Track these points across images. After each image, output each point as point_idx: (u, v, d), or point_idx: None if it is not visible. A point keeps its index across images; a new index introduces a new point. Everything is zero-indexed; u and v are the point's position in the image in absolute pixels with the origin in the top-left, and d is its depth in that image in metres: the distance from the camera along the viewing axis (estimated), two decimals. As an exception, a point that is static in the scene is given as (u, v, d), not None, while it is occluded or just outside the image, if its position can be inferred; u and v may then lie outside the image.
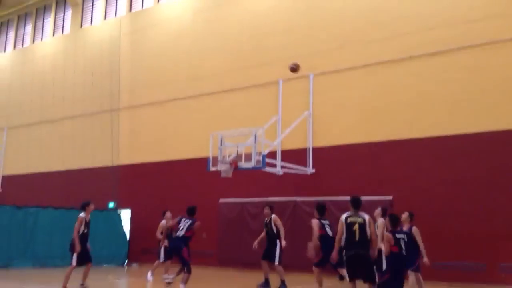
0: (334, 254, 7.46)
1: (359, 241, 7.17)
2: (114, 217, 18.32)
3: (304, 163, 14.73)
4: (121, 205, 19.05)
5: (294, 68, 9.00)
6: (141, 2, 21.29)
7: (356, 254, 7.12)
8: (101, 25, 22.49)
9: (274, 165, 13.53)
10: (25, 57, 25.44)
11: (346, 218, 7.39)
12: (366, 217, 7.37)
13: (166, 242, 11.51)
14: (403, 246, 6.59)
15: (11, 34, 26.58)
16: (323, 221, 9.38)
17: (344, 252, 7.31)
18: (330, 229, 9.24)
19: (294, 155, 14.74)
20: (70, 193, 20.27)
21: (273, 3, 17.21)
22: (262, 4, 17.45)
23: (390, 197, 13.29)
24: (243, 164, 12.62)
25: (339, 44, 15.33)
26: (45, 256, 15.91)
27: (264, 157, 12.57)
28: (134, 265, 17.29)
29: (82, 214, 9.58)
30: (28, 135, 23.67)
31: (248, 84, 16.99)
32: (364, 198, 13.66)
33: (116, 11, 22.12)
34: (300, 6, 16.48)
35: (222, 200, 16.59)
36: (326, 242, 8.87)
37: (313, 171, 14.77)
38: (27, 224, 15.84)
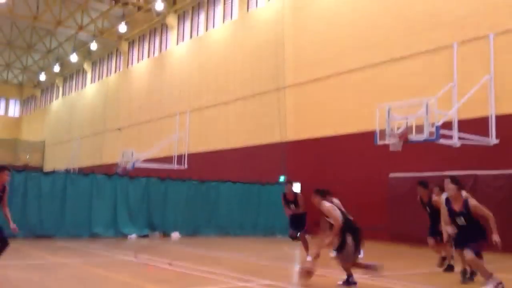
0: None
1: None
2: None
3: (485, 133, 13.33)
4: (292, 179, 19.63)
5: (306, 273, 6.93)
6: (303, -21, 21.39)
7: None
8: (266, 7, 23.26)
9: (450, 137, 12.53)
10: (200, 45, 27.75)
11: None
12: None
13: None
14: None
15: (188, 25, 29.18)
16: None
17: None
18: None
19: (474, 125, 13.43)
20: (246, 168, 21.74)
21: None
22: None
23: None
24: (414, 137, 11.94)
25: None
26: (226, 225, 17.44)
27: (438, 128, 11.71)
28: (306, 236, 17.77)
29: None
30: (206, 116, 25.91)
31: (417, 50, 15.96)
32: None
33: (279, -9, 22.63)
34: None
35: (392, 175, 16.02)
36: None
37: (496, 141, 13.28)
38: (210, 197, 17.52)
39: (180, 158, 23.92)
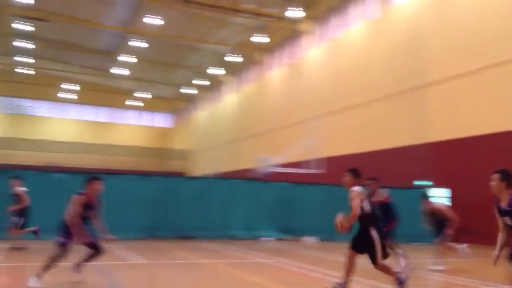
0: None
1: None
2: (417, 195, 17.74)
3: None
4: (438, 183, 18.24)
5: None
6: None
7: None
8: (404, 3, 22.12)
9: None
10: (335, 48, 27.48)
11: None
12: None
13: None
14: None
15: (322, 29, 29.11)
16: None
17: None
18: None
19: None
20: (383, 172, 20.84)
21: None
22: None
23: None
24: None
25: None
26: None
27: None
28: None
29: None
30: (342, 119, 25.49)
31: None
32: None
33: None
34: None
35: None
36: None
37: None
38: (344, 201, 17.10)
39: (316, 162, 23.92)
